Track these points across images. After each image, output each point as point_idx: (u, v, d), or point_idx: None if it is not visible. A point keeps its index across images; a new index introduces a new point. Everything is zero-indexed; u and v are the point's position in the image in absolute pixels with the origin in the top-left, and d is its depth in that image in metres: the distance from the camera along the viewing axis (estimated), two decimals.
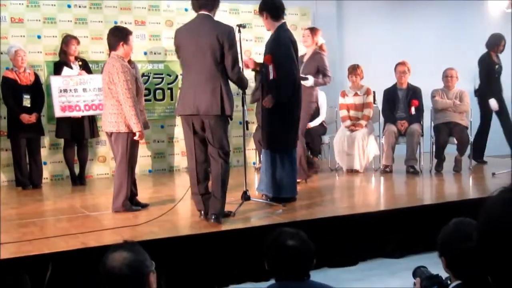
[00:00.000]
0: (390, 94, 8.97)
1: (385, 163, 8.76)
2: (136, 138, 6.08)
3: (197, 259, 5.16)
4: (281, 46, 6.39)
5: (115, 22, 9.04)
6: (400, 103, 8.91)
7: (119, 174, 6.21)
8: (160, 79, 9.52)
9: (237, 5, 10.03)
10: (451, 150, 8.84)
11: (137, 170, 8.63)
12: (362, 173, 8.72)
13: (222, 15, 9.70)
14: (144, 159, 9.26)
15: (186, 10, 9.68)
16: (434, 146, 8.78)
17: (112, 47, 6.25)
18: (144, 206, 6.46)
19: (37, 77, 8.26)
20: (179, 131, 9.55)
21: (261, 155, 6.97)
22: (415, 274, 2.91)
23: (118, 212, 6.18)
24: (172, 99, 9.57)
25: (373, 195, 7.58)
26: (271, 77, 6.35)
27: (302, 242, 2.83)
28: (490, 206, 1.18)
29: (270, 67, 6.36)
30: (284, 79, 6.34)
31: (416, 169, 8.60)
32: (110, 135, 6.23)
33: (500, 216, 1.13)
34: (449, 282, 2.75)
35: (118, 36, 6.21)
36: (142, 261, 2.45)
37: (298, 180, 7.07)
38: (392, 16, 12.13)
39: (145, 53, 9.41)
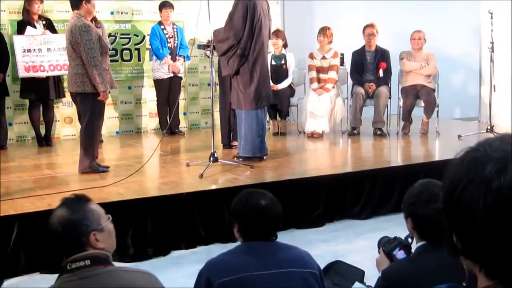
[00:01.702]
0: (358, 57, 8.98)
1: (353, 125, 8.80)
2: (99, 98, 5.99)
3: (164, 220, 5.17)
4: (235, 11, 6.45)
5: None
6: (368, 66, 8.92)
7: (85, 135, 6.14)
8: (127, 40, 9.38)
9: None
10: (418, 113, 8.90)
11: (104, 131, 8.63)
12: (329, 135, 8.74)
13: None
14: (111, 120, 9.18)
15: None
16: (401, 109, 8.83)
17: (74, 5, 6.11)
18: (104, 168, 6.38)
19: (1, 36, 8.07)
20: (146, 92, 9.48)
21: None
22: (378, 245, 2.93)
23: (85, 173, 6.13)
24: (139, 60, 9.45)
25: (340, 157, 7.64)
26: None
27: (271, 202, 2.84)
28: (455, 166, 1.19)
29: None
30: (226, 33, 6.43)
31: (384, 131, 8.67)
32: (75, 95, 6.14)
33: (464, 176, 1.14)
34: (409, 240, 2.78)
35: None
36: (78, 220, 2.36)
37: None
38: None
39: (112, 13, 9.24)
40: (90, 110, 6.04)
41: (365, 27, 8.95)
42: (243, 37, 6.44)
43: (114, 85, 6.39)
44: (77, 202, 2.43)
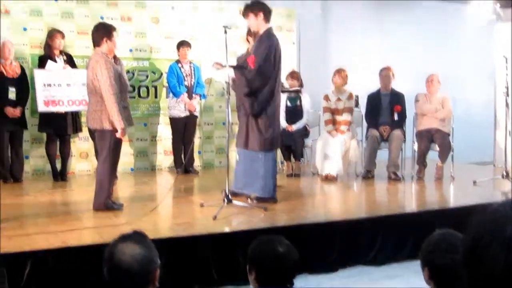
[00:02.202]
0: (374, 99, 9.01)
1: (367, 168, 8.79)
2: (118, 135, 6.03)
3: (176, 261, 5.15)
4: (266, 49, 6.47)
5: (101, 18, 9.01)
6: (383, 108, 8.94)
7: (101, 172, 6.17)
8: (145, 77, 9.49)
9: (222, 5, 10.01)
10: (433, 156, 8.88)
11: (119, 168, 8.61)
12: (343, 178, 8.73)
13: (209, 14, 9.74)
14: (126, 157, 9.22)
15: (172, 8, 9.67)
16: (416, 152, 8.82)
17: (96, 43, 6.21)
18: (118, 206, 6.39)
19: (23, 70, 8.20)
20: (162, 130, 9.54)
21: (238, 154, 6.94)
22: None
23: (99, 210, 6.15)
24: (156, 97, 9.54)
25: (355, 201, 7.60)
26: (251, 67, 6.45)
27: (289, 249, 2.84)
28: (477, 224, 1.23)
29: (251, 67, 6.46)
30: (255, 73, 6.42)
31: (398, 175, 8.63)
32: (93, 131, 6.19)
33: (486, 234, 1.17)
34: None
35: (102, 32, 6.17)
36: (152, 257, 2.38)
37: None
38: (378, 20, 12.18)
39: (131, 50, 9.36)
40: (107, 147, 6.08)
41: (381, 70, 9.00)
42: (270, 78, 6.49)
43: (132, 123, 6.43)
44: (144, 237, 2.44)
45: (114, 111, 5.93)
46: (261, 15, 6.59)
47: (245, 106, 6.51)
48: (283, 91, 7.99)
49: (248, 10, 6.64)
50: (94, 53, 6.22)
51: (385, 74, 8.94)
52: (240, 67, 6.54)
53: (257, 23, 6.62)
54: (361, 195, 7.97)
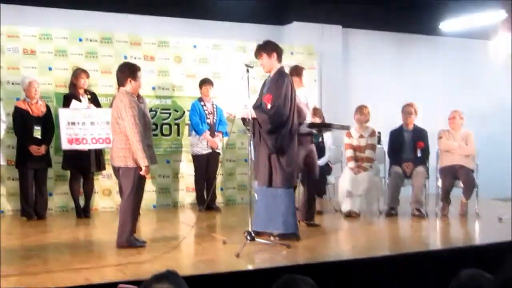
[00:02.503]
0: (396, 136, 8.99)
1: (391, 205, 8.73)
2: (142, 173, 6.07)
3: None
4: (282, 88, 6.51)
5: (125, 57, 9.15)
6: (406, 145, 8.92)
7: (124, 209, 6.19)
8: (167, 114, 9.57)
9: (245, 44, 10.12)
10: (457, 192, 8.80)
11: (142, 204, 8.67)
12: (366, 215, 8.68)
13: (231, 53, 9.85)
14: (148, 193, 9.27)
15: (194, 46, 9.80)
16: (439, 189, 8.75)
17: (120, 82, 6.29)
18: (141, 243, 6.39)
19: (48, 108, 8.33)
20: (184, 167, 9.58)
21: (257, 192, 6.94)
22: None
23: (122, 247, 6.15)
24: (178, 135, 9.61)
25: (377, 239, 7.52)
26: (267, 107, 6.47)
27: None
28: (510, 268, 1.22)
29: (269, 104, 6.48)
30: (277, 111, 6.44)
31: (422, 212, 8.56)
32: (117, 169, 6.22)
33: None
34: None
35: (127, 72, 6.25)
36: None
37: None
38: (399, 56, 12.27)
39: (153, 88, 9.48)
40: (131, 184, 6.11)
41: (404, 107, 8.99)
42: (289, 115, 6.53)
43: (155, 161, 6.47)
44: (178, 277, 2.42)
45: (138, 149, 5.98)
46: (274, 55, 6.68)
47: (267, 144, 6.52)
48: (340, 128, 8.03)
49: (261, 50, 6.73)
50: (118, 92, 6.29)
51: (408, 110, 8.93)
52: (257, 107, 6.56)
53: (271, 63, 6.70)
54: (384, 233, 7.90)
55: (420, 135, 8.91)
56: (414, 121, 8.95)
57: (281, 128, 6.49)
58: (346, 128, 8.39)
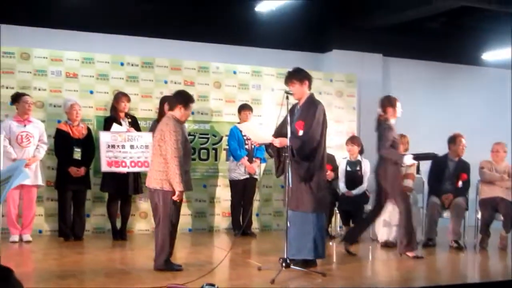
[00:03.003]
0: (440, 164, 8.90)
1: (428, 236, 8.62)
2: (174, 197, 6.10)
3: None
4: (315, 115, 6.51)
5: (165, 82, 9.28)
6: (448, 175, 8.83)
7: (161, 232, 6.21)
8: (206, 139, 9.62)
9: (285, 70, 10.14)
10: (496, 225, 8.65)
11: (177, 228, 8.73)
12: None
13: (270, 79, 9.90)
14: (184, 217, 9.29)
15: (234, 72, 9.87)
16: (479, 221, 8.61)
17: (171, 106, 6.40)
18: (178, 267, 6.40)
19: (89, 131, 8.46)
20: (220, 191, 9.61)
21: (289, 219, 6.90)
22: None
23: (159, 270, 6.17)
24: (216, 160, 9.65)
25: (414, 269, 7.41)
26: (299, 134, 6.45)
27: None
28: None
29: (301, 131, 6.46)
30: (310, 138, 6.44)
31: (460, 244, 8.42)
32: (153, 191, 6.26)
33: None
34: None
35: (180, 99, 6.36)
36: None
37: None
38: (439, 86, 12.19)
39: (192, 113, 9.51)
40: (167, 207, 6.14)
41: (453, 137, 8.91)
42: (320, 142, 6.52)
43: (191, 187, 6.47)
44: None
45: (176, 174, 6.02)
46: (306, 83, 6.68)
47: (299, 173, 6.48)
48: (418, 158, 7.94)
49: (293, 78, 6.71)
50: (166, 116, 6.40)
51: (459, 141, 8.85)
52: (292, 133, 6.52)
53: (302, 91, 6.68)
54: (420, 263, 7.77)
55: (464, 166, 8.85)
56: (463, 152, 8.86)
57: (312, 154, 6.48)
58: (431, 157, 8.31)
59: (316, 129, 6.49)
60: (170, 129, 6.11)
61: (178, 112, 6.31)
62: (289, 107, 6.62)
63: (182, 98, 6.37)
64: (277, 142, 6.48)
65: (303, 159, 6.43)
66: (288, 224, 6.46)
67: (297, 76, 6.70)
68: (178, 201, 6.21)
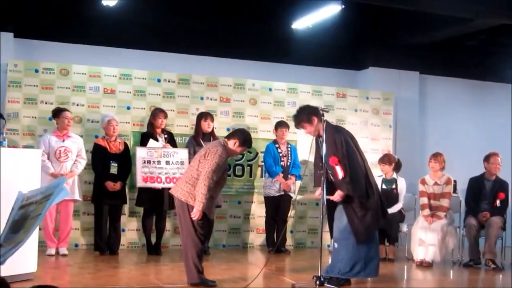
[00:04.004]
0: (477, 184, 8.80)
1: (470, 257, 8.52)
2: (192, 214, 6.06)
3: None
4: (341, 146, 6.37)
5: (201, 98, 9.34)
6: (485, 194, 8.72)
7: (186, 246, 6.22)
8: (241, 156, 9.62)
9: (321, 87, 10.16)
10: None
11: (211, 243, 8.83)
12: (439, 265, 8.46)
13: (305, 96, 9.91)
14: (218, 233, 9.33)
15: (270, 89, 9.90)
16: None
17: (229, 137, 6.43)
18: (212, 283, 6.39)
19: (126, 146, 8.55)
20: (255, 208, 9.61)
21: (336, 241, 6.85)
22: None
23: (193, 285, 6.17)
24: (251, 176, 9.66)
25: None
26: (340, 176, 6.32)
27: None
28: None
29: (338, 168, 6.33)
30: (355, 176, 6.34)
31: (497, 264, 8.28)
32: (177, 200, 6.25)
33: None
34: None
35: (241, 137, 6.38)
36: None
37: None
38: (476, 104, 12.06)
39: (228, 129, 9.56)
40: (189, 219, 6.13)
41: (489, 155, 8.81)
42: (364, 166, 6.51)
43: (210, 214, 6.37)
44: None
45: (202, 193, 6.00)
46: (314, 119, 6.51)
47: (352, 204, 6.42)
48: None
49: (300, 121, 6.60)
50: (220, 140, 6.46)
51: (494, 160, 8.75)
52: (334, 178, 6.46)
53: (315, 127, 6.53)
54: (457, 283, 7.68)
55: (502, 185, 8.75)
56: (499, 171, 8.75)
57: (355, 184, 6.37)
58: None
59: (352, 160, 6.38)
60: (216, 152, 6.12)
61: (232, 144, 6.33)
62: (325, 124, 6.45)
63: (243, 139, 6.38)
64: (337, 197, 6.41)
65: (360, 197, 6.40)
66: (336, 245, 6.45)
67: (302, 117, 6.58)
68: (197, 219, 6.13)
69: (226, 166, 6.36)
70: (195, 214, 6.05)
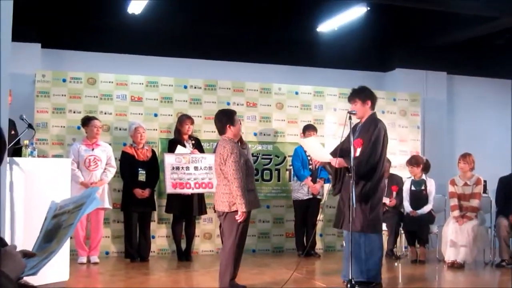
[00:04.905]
0: (507, 183, 8.71)
1: (501, 257, 8.42)
2: (237, 217, 6.08)
3: None
4: (374, 134, 6.42)
5: (228, 103, 9.34)
6: None
7: (226, 252, 6.22)
8: (269, 160, 9.65)
9: (347, 90, 10.10)
10: None
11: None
12: (471, 266, 8.38)
13: (332, 99, 9.89)
14: (248, 238, 9.22)
15: (296, 93, 9.89)
16: None
17: (221, 131, 6.42)
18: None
19: (154, 153, 8.60)
20: (284, 212, 9.60)
21: (345, 239, 6.83)
22: None
23: None
24: (279, 180, 9.66)
25: None
26: (356, 155, 6.34)
27: None
28: None
29: (358, 149, 6.38)
30: (365, 158, 6.33)
31: None
32: (222, 214, 6.28)
33: None
34: None
35: (224, 120, 6.36)
36: None
37: None
38: (504, 103, 11.92)
39: (255, 134, 9.60)
40: (235, 229, 6.14)
41: None
42: (378, 162, 6.45)
43: (258, 205, 6.49)
44: None
45: (238, 195, 6.03)
46: (369, 103, 6.60)
47: (353, 190, 6.40)
48: None
49: (356, 96, 6.65)
50: (221, 140, 6.40)
51: None
52: (346, 152, 6.45)
53: (364, 110, 6.60)
54: (489, 284, 7.59)
55: None
56: None
57: (371, 174, 6.39)
58: None
59: (375, 148, 6.41)
60: (228, 152, 6.13)
61: (229, 132, 6.33)
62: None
63: (225, 118, 6.38)
64: (336, 162, 6.42)
65: (361, 178, 6.34)
66: (344, 244, 6.42)
67: (360, 95, 6.64)
68: (243, 221, 6.19)
69: (244, 154, 6.35)
70: (240, 217, 6.06)
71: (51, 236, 2.33)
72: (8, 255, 2.05)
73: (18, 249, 2.15)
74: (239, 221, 6.09)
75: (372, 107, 6.66)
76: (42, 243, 2.33)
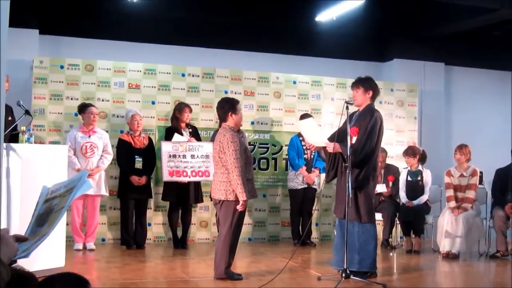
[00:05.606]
0: (503, 175, 8.72)
1: (498, 248, 8.45)
2: (238, 207, 6.12)
3: None
4: (370, 122, 6.48)
5: (225, 92, 9.34)
6: None
7: (223, 241, 6.24)
8: (265, 149, 9.66)
9: (345, 80, 10.11)
10: None
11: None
12: (466, 256, 8.41)
13: (330, 89, 9.88)
14: (244, 227, 9.22)
15: (294, 82, 9.88)
16: None
17: (222, 118, 6.44)
18: (238, 276, 6.42)
19: (150, 141, 8.60)
20: (280, 201, 9.62)
21: (336, 228, 6.87)
22: None
23: (219, 279, 6.21)
24: (275, 169, 9.67)
25: (476, 281, 7.27)
26: (352, 142, 6.39)
27: None
28: None
29: (354, 138, 6.42)
30: (360, 147, 6.38)
31: None
32: (218, 202, 6.30)
33: None
34: None
35: (226, 107, 6.38)
36: None
37: None
38: (502, 95, 11.93)
39: (252, 123, 9.60)
40: (231, 217, 6.17)
41: None
42: (373, 152, 6.47)
43: (255, 195, 6.52)
44: None
45: (238, 184, 6.05)
46: (370, 92, 6.71)
47: (347, 178, 6.42)
48: None
49: (359, 84, 6.76)
50: (221, 128, 6.42)
51: None
52: (341, 140, 6.47)
53: (364, 99, 6.70)
54: (484, 275, 7.63)
55: None
56: None
57: (365, 162, 6.43)
58: None
59: (370, 137, 6.44)
60: (228, 140, 6.15)
61: (230, 120, 6.35)
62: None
63: (228, 105, 6.41)
64: (331, 147, 6.44)
65: (354, 166, 6.36)
66: (335, 232, 6.45)
67: (363, 83, 6.74)
68: (242, 210, 6.22)
69: (244, 143, 6.40)
70: (241, 206, 6.10)
71: (43, 220, 2.34)
72: (0, 238, 2.06)
73: (11, 234, 2.16)
74: (239, 210, 6.11)
75: (373, 98, 6.74)
76: (34, 227, 2.34)
